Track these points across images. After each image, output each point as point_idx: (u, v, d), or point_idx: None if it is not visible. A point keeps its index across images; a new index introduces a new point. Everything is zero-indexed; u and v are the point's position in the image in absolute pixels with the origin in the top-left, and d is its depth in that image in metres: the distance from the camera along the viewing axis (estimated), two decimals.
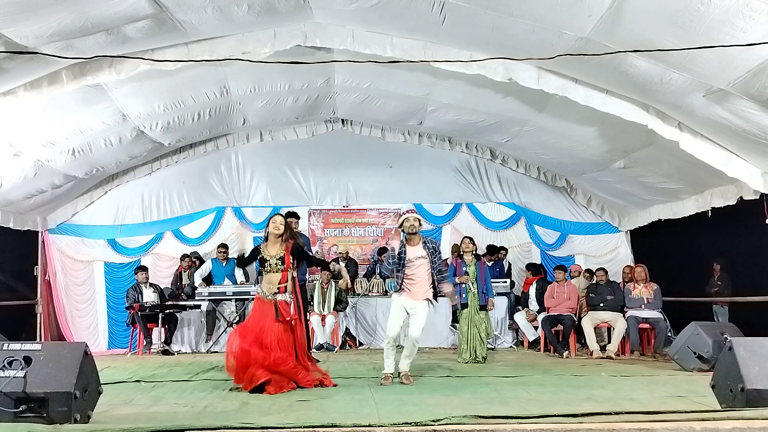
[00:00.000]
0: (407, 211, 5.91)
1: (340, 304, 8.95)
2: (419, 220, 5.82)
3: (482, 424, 3.59)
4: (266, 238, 5.56)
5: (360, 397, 4.83)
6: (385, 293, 9.29)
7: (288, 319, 5.39)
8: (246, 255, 5.90)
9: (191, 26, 5.75)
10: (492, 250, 9.82)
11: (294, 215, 7.31)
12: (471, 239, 7.71)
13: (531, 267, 9.74)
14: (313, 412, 4.19)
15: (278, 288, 5.42)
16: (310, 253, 6.43)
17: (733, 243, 8.77)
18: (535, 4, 5.11)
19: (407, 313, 5.71)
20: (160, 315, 8.72)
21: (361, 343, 9.24)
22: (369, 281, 9.89)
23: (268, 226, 5.56)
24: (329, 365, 6.82)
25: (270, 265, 5.43)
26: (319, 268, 7.50)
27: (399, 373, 5.67)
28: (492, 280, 8.83)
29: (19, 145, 7.20)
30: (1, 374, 3.66)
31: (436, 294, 5.79)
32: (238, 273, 9.43)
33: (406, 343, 5.81)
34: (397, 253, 5.74)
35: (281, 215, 5.66)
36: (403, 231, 5.78)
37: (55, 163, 7.82)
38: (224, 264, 9.48)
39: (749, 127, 5.61)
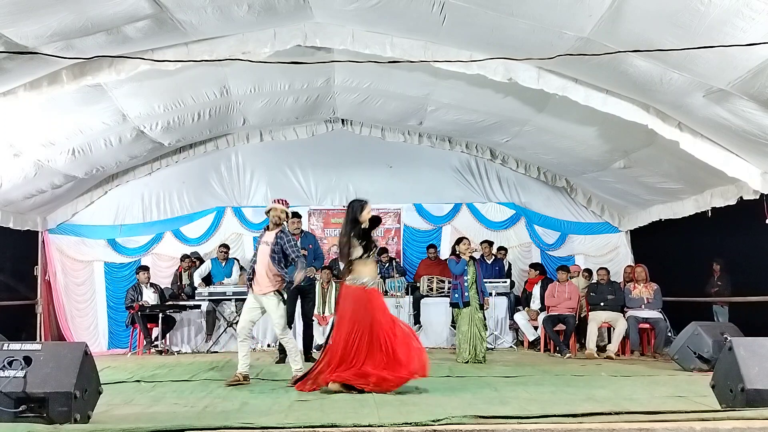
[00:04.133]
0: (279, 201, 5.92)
1: None
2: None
3: (482, 424, 3.59)
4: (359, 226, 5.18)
5: (360, 397, 4.83)
6: (386, 293, 9.23)
7: None
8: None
9: (191, 26, 5.75)
10: (488, 243, 9.83)
11: (297, 215, 7.37)
12: (467, 239, 7.68)
13: (536, 266, 9.71)
14: (313, 412, 4.19)
15: None
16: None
17: (733, 243, 8.76)
18: (535, 4, 5.11)
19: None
20: (160, 315, 8.72)
21: None
22: None
23: (364, 212, 5.19)
24: None
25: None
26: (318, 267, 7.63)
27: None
28: (492, 280, 8.83)
29: (19, 145, 7.20)
30: (1, 374, 3.66)
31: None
32: (236, 273, 9.43)
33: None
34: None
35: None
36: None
37: (55, 163, 7.82)
38: (223, 264, 9.47)
39: (749, 127, 5.61)
